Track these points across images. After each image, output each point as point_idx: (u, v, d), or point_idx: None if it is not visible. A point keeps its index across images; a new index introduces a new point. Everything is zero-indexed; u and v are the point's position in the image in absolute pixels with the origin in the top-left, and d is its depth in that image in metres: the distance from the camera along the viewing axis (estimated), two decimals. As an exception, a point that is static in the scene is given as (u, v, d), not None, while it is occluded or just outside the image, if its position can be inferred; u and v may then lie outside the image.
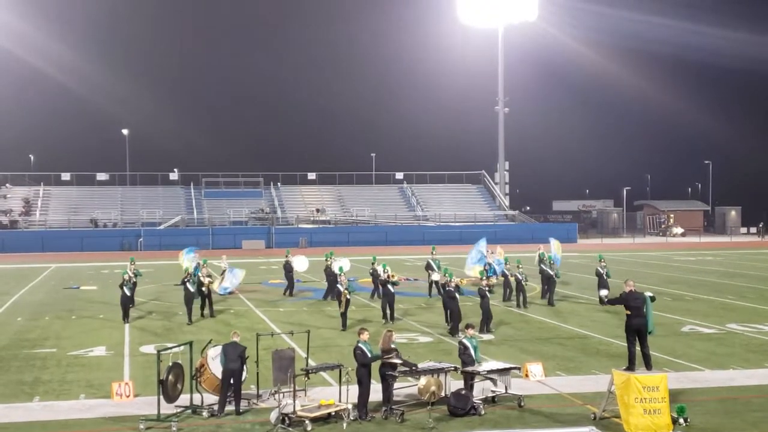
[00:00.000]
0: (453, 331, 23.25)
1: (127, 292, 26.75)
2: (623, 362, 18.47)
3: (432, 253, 35.46)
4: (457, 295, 23.76)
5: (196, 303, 27.06)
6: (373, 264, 32.94)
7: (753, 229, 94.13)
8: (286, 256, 34.58)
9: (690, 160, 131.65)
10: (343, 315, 24.68)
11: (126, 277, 26.95)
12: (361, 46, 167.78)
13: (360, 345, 15.14)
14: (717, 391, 16.92)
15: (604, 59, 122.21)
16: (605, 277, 29.48)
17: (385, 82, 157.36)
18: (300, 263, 34.83)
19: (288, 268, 33.95)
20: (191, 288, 26.39)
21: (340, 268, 27.93)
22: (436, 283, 31.64)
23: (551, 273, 30.44)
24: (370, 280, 32.79)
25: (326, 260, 32.75)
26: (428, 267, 34.13)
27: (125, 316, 26.55)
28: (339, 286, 25.31)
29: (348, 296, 24.63)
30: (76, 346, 22.41)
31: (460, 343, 16.52)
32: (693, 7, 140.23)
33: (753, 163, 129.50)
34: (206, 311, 27.56)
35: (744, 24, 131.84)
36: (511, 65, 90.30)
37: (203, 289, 27.02)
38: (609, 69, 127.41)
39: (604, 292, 22.76)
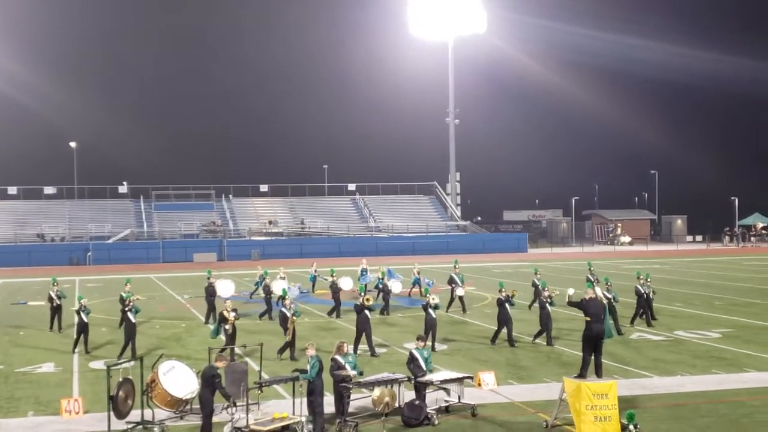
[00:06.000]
0: (509, 341, 23.29)
1: (84, 318, 23.30)
2: (574, 370, 18.75)
3: (455, 267, 33.48)
4: (507, 305, 23.33)
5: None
6: (382, 278, 31.90)
7: (699, 237, 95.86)
8: (208, 278, 30.08)
9: (636, 170, 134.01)
10: (290, 345, 21.71)
11: (78, 303, 23.80)
12: (313, 59, 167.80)
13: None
14: (666, 397, 17.20)
15: (551, 72, 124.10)
16: (646, 297, 26.93)
17: (337, 95, 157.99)
18: (224, 288, 30.59)
19: (210, 292, 29.41)
20: (132, 318, 22.38)
21: (284, 291, 27.00)
22: (460, 298, 30.90)
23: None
24: (380, 295, 31.87)
25: (331, 275, 31.61)
26: (451, 281, 32.32)
27: (77, 345, 23.60)
28: (284, 310, 22.34)
29: (294, 322, 21.81)
30: (24, 363, 22.03)
31: (410, 353, 16.61)
32: (638, 22, 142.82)
33: (698, 172, 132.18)
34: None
35: (688, 39, 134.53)
36: (461, 77, 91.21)
37: (227, 327, 21.40)
38: (556, 82, 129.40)
39: (571, 291, 23.02)
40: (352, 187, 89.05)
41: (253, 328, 27.36)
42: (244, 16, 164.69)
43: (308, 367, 14.92)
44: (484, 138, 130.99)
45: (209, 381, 14.04)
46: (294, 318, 21.66)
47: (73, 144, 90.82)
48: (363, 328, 22.13)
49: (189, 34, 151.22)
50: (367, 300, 22.52)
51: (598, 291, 21.94)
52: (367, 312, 22.23)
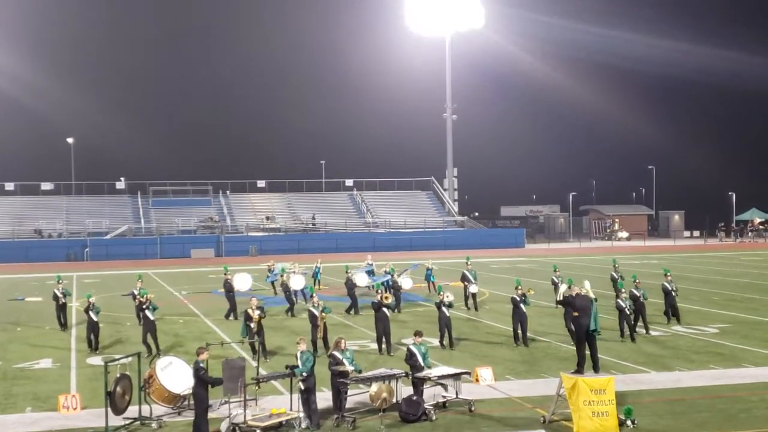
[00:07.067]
0: (524, 341, 22.77)
1: (93, 317, 23.10)
2: (572, 365, 18.76)
3: (467, 263, 32.55)
4: (522, 306, 22.82)
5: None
6: (392, 275, 31.34)
7: (696, 233, 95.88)
8: (225, 274, 29.99)
9: (634, 166, 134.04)
10: (323, 340, 21.41)
11: (86, 302, 23.52)
12: (310, 55, 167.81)
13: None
14: (664, 392, 17.21)
15: (549, 67, 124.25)
16: (674, 294, 26.45)
17: (335, 90, 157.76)
18: (241, 281, 30.74)
19: (228, 288, 29.28)
20: (150, 316, 22.07)
21: (309, 287, 26.60)
22: (474, 295, 30.40)
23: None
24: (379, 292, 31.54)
25: (346, 272, 31.47)
26: (464, 278, 31.33)
27: (96, 344, 23.22)
28: (312, 309, 21.59)
29: (324, 319, 21.42)
30: (22, 359, 22.03)
31: (408, 349, 16.63)
32: (635, 17, 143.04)
33: (695, 167, 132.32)
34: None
35: (685, 34, 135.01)
36: (458, 73, 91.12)
37: (252, 325, 20.80)
38: (554, 77, 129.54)
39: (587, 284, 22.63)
40: (349, 182, 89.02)
41: (277, 326, 27.23)
42: (241, 11, 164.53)
43: (299, 363, 14.93)
44: (482, 133, 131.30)
45: (196, 376, 14.08)
46: (323, 315, 21.33)
47: (70, 140, 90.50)
48: (382, 326, 21.95)
49: (187, 30, 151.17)
50: (386, 297, 22.43)
51: (587, 285, 21.52)
52: (385, 309, 22.04)
